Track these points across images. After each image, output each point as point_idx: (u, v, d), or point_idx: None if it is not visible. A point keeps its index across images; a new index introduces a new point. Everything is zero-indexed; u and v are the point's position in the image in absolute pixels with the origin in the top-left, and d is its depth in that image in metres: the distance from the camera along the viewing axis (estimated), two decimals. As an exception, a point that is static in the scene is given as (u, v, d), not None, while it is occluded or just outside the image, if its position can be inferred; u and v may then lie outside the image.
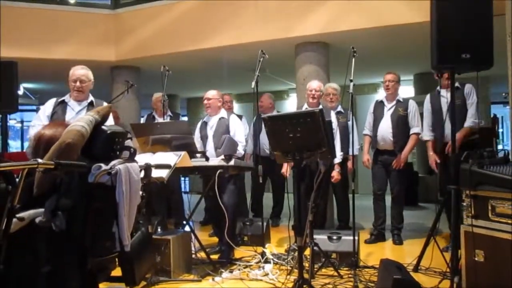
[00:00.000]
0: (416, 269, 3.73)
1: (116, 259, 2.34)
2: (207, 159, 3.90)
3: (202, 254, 4.14)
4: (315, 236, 3.73)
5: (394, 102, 4.88)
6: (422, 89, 8.15)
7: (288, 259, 3.93)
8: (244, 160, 4.97)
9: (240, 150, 4.34)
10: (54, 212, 1.98)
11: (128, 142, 2.42)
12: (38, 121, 3.54)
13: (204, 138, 4.55)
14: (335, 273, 3.66)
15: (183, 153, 3.54)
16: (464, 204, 2.91)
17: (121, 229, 2.16)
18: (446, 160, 4.25)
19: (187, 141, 3.92)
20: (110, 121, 3.00)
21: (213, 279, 3.63)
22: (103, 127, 2.26)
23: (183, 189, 6.47)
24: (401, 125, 4.79)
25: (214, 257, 4.22)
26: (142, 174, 2.55)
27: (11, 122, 13.88)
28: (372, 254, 4.36)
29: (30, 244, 2.03)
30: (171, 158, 3.48)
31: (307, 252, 3.65)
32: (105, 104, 3.71)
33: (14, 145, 15.76)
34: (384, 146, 4.86)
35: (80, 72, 3.66)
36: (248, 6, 5.95)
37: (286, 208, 4.47)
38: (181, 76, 7.35)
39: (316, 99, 4.68)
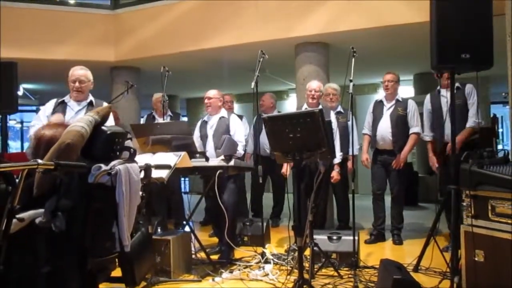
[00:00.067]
0: (416, 269, 3.73)
1: (116, 260, 2.34)
2: (207, 159, 3.91)
3: (202, 255, 4.14)
4: (315, 236, 3.73)
5: (394, 102, 4.88)
6: (422, 89, 8.15)
7: (288, 259, 3.93)
8: (244, 160, 4.97)
9: (240, 150, 4.34)
10: (54, 212, 1.99)
11: (128, 143, 2.42)
12: (38, 121, 3.54)
13: (204, 137, 4.55)
14: (335, 273, 3.66)
15: (183, 153, 3.54)
16: (464, 204, 2.91)
17: (121, 229, 2.17)
18: (446, 160, 4.26)
19: (187, 141, 3.92)
20: (111, 122, 3.00)
21: (213, 280, 3.62)
22: (103, 127, 2.27)
23: (183, 190, 6.47)
24: (400, 124, 4.79)
25: (214, 257, 4.22)
26: (142, 174, 2.55)
27: (11, 123, 13.88)
28: (372, 254, 4.36)
29: (30, 244, 2.03)
30: (171, 158, 3.48)
31: (307, 252, 3.65)
32: (105, 104, 3.71)
33: (14, 146, 15.76)
34: (383, 145, 4.86)
35: (79, 72, 3.66)
36: (248, 6, 5.95)
37: (286, 208, 4.47)
38: (181, 76, 7.36)
39: (316, 99, 4.68)
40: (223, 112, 4.58)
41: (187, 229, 4.27)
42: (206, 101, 4.56)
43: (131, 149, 2.39)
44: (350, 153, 4.23)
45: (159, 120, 5.50)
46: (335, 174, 4.58)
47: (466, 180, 2.86)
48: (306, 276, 3.16)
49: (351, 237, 3.79)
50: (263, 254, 4.02)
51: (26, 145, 14.20)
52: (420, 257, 3.75)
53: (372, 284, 3.38)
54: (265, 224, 4.79)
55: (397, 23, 5.18)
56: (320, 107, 4.56)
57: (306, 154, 2.93)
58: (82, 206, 2.07)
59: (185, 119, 10.08)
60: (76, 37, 6.67)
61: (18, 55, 5.95)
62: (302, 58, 5.94)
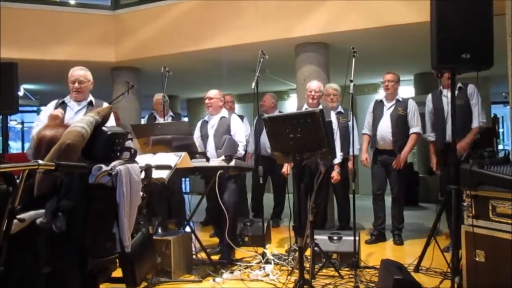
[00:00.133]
0: (417, 269, 3.73)
1: (117, 260, 2.34)
2: (207, 159, 3.91)
3: (202, 255, 4.14)
4: (315, 237, 3.73)
5: (394, 102, 4.88)
6: (423, 89, 8.15)
7: (289, 259, 3.93)
8: (245, 160, 4.97)
9: (241, 151, 4.34)
10: (55, 213, 1.99)
11: (128, 143, 2.42)
12: (39, 122, 3.55)
13: (204, 137, 4.55)
14: (336, 274, 3.66)
15: (183, 153, 3.54)
16: (465, 204, 2.91)
17: (122, 230, 2.17)
18: (447, 160, 4.26)
19: (187, 141, 3.92)
20: (112, 122, 3.01)
21: (213, 280, 3.62)
22: (103, 128, 2.27)
23: (183, 190, 6.47)
24: (400, 124, 4.79)
25: (215, 257, 4.22)
26: (142, 175, 2.55)
27: (11, 123, 13.89)
28: (373, 255, 4.36)
29: (31, 245, 2.03)
30: (172, 158, 3.48)
31: (308, 252, 3.65)
32: (105, 104, 3.72)
33: (15, 146, 15.78)
34: (383, 145, 4.86)
35: (78, 73, 3.66)
36: (248, 7, 5.95)
37: (287, 208, 4.47)
38: (181, 76, 7.36)
39: (316, 99, 4.68)
40: (224, 112, 4.58)
41: (187, 229, 4.27)
42: (207, 101, 4.56)
43: (132, 150, 2.40)
44: (351, 153, 4.23)
45: (160, 120, 5.50)
46: (335, 174, 4.57)
47: (466, 180, 2.86)
48: (306, 276, 3.16)
49: (352, 237, 3.79)
50: (263, 255, 4.02)
51: (26, 145, 14.21)
52: (420, 257, 3.75)
53: (373, 284, 3.38)
54: (265, 224, 4.79)
55: (397, 23, 5.18)
56: (321, 107, 4.56)
57: (306, 155, 2.93)
58: (82, 206, 2.07)
59: (186, 119, 10.08)
60: (77, 37, 6.67)
61: (19, 55, 5.95)
62: (303, 58, 5.93)
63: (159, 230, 4.33)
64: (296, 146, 2.90)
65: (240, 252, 4.36)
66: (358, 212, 3.94)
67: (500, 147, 10.77)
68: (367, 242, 4.81)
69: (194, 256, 4.13)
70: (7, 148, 7.44)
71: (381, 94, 5.82)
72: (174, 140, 3.86)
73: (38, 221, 1.99)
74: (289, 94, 10.53)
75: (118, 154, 2.30)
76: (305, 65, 5.89)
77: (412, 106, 4.82)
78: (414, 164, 8.52)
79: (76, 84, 3.63)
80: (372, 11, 5.25)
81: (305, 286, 2.93)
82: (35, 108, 11.03)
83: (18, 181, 1.80)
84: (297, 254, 3.17)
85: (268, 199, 6.08)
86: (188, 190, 8.13)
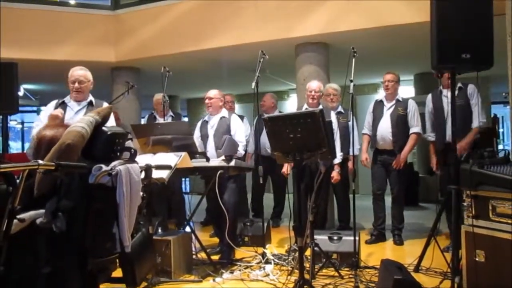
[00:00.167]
0: (417, 269, 3.73)
1: (117, 260, 2.34)
2: (207, 159, 3.91)
3: (202, 255, 4.14)
4: (315, 237, 3.73)
5: (394, 102, 4.88)
6: (423, 89, 8.15)
7: (289, 259, 3.93)
8: (245, 160, 4.97)
9: (241, 151, 4.34)
10: (55, 213, 1.99)
11: (128, 143, 2.42)
12: (39, 122, 3.55)
13: (204, 137, 4.55)
14: (336, 274, 3.65)
15: (183, 153, 3.54)
16: (465, 204, 2.91)
17: (122, 230, 2.17)
18: (446, 160, 4.26)
19: (187, 141, 3.92)
20: (112, 122, 3.01)
21: (213, 280, 3.62)
22: (103, 128, 2.27)
23: (183, 190, 6.47)
24: (400, 124, 4.79)
25: (215, 257, 4.22)
26: (142, 175, 2.55)
27: (11, 123, 13.89)
28: (373, 255, 4.36)
29: (31, 245, 2.03)
30: (172, 158, 3.48)
31: (308, 252, 3.65)
32: (105, 104, 3.72)
33: (15, 146, 15.78)
34: (383, 145, 4.86)
35: (78, 73, 3.66)
36: (248, 7, 5.95)
37: (287, 208, 4.47)
38: (181, 76, 7.36)
39: (316, 99, 4.68)
40: (224, 112, 4.58)
41: (187, 229, 4.27)
42: (207, 101, 4.56)
43: (132, 150, 2.40)
44: (351, 153, 4.23)
45: (160, 120, 5.51)
46: (335, 174, 4.57)
47: (466, 180, 2.86)
48: (306, 276, 3.16)
49: (352, 237, 3.79)
50: (263, 255, 4.02)
51: (26, 145, 14.21)
52: (420, 257, 3.75)
53: (373, 285, 3.38)
54: (265, 224, 4.79)
55: (397, 23, 5.18)
56: (321, 107, 4.56)
57: (306, 155, 2.93)
58: (82, 206, 2.07)
59: (186, 119, 10.08)
60: (77, 37, 6.67)
61: (19, 55, 5.95)
62: (302, 58, 5.94)
63: (159, 230, 4.33)
64: (296, 146, 2.90)
65: (240, 252, 4.36)
66: (358, 212, 3.94)
67: (500, 147, 10.77)
68: (367, 242, 4.81)
69: (194, 256, 4.13)
70: (7, 148, 7.43)
71: (381, 94, 5.82)
72: (174, 140, 3.87)
73: (38, 221, 1.99)
74: (289, 94, 10.53)
75: (118, 154, 2.30)
76: (305, 65, 5.89)
77: (412, 106, 4.82)
78: (414, 164, 8.52)
79: (76, 84, 3.63)
80: (372, 11, 5.25)
81: (305, 286, 2.93)
82: (35, 108, 11.03)
83: (18, 181, 1.80)
84: (297, 254, 3.17)
85: (268, 199, 6.08)
86: (188, 190, 8.13)
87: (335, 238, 4.00)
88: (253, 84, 4.17)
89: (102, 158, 2.16)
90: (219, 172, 3.78)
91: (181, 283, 3.65)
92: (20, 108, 6.23)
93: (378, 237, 4.91)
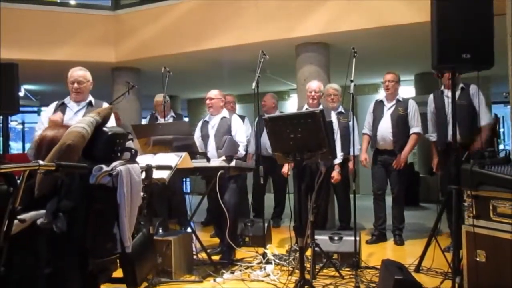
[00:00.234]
0: (418, 269, 3.73)
1: (117, 260, 2.34)
2: (208, 159, 3.91)
3: (203, 255, 4.14)
4: (316, 237, 3.73)
5: (394, 102, 4.87)
6: (423, 89, 8.15)
7: (290, 259, 3.93)
8: (246, 160, 4.97)
9: (241, 151, 4.34)
10: (55, 213, 1.99)
11: (129, 143, 2.42)
12: (41, 125, 3.55)
13: (205, 137, 4.55)
14: (337, 274, 3.65)
15: (184, 154, 3.54)
16: (466, 204, 2.91)
17: (122, 230, 2.17)
18: (448, 160, 4.25)
19: (188, 142, 3.92)
20: (112, 123, 3.00)
21: (214, 280, 3.62)
22: (104, 128, 2.27)
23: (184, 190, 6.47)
24: (401, 124, 4.79)
25: (216, 258, 4.22)
26: (143, 175, 2.55)
27: (12, 124, 13.89)
28: (374, 255, 4.36)
29: (31, 245, 2.03)
30: (172, 159, 3.48)
31: (309, 252, 3.65)
32: (104, 104, 3.72)
33: (15, 147, 15.78)
34: (384, 145, 4.85)
35: (77, 73, 3.66)
36: (249, 7, 5.95)
37: (288, 208, 4.47)
38: (182, 77, 7.36)
39: (316, 99, 4.68)
40: (225, 113, 4.58)
41: (188, 229, 4.27)
42: (208, 101, 4.56)
43: (132, 150, 2.40)
44: (351, 153, 4.22)
45: (162, 120, 5.51)
46: (335, 174, 4.57)
47: (467, 180, 2.86)
48: (307, 276, 3.16)
49: (352, 238, 3.79)
50: (264, 255, 4.02)
51: (27, 146, 14.22)
52: (421, 257, 3.74)
53: (374, 285, 3.38)
54: (266, 224, 4.79)
55: (397, 23, 5.18)
56: (321, 107, 4.56)
57: (307, 155, 2.93)
58: (83, 207, 2.07)
59: (186, 119, 10.08)
60: (77, 38, 6.68)
61: (19, 56, 5.95)
62: (303, 59, 5.94)
63: (160, 231, 4.33)
64: (296, 146, 2.90)
65: (241, 252, 4.36)
66: (358, 212, 3.94)
67: (501, 147, 10.76)
68: (367, 242, 4.81)
69: (194, 256, 4.13)
70: (7, 149, 7.44)
71: (381, 94, 5.82)
72: (175, 141, 3.87)
73: (38, 221, 1.99)
74: (289, 94, 10.53)
75: (119, 154, 2.30)
76: (306, 65, 5.89)
77: (412, 106, 4.82)
78: (414, 164, 8.52)
79: (75, 85, 3.62)
80: (373, 11, 5.25)
81: (305, 286, 2.93)
82: (35, 109, 11.03)
83: (18, 181, 1.80)
84: (297, 254, 3.17)
85: (269, 199, 6.08)
86: (188, 190, 8.13)
87: (336, 238, 4.00)
88: (254, 84, 4.17)
89: (102, 159, 2.16)
90: (219, 173, 3.77)
91: (181, 283, 3.65)
92: (21, 109, 6.22)
93: (378, 237, 4.90)
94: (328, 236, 4.02)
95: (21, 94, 8.38)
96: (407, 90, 8.59)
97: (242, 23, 6.00)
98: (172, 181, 3.62)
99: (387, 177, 4.88)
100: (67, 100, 3.70)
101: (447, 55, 3.13)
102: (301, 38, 5.75)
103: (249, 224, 4.92)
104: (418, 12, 4.80)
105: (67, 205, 2.01)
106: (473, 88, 4.36)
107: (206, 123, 4.62)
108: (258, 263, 4.01)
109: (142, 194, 2.38)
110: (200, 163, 3.89)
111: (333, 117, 4.62)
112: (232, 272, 3.81)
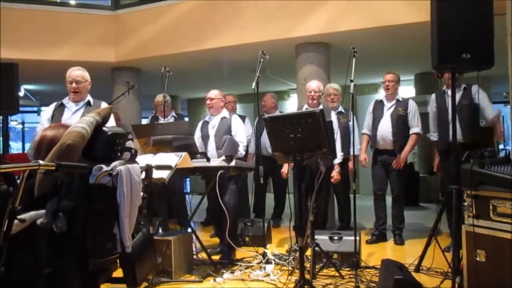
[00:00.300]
0: (418, 269, 3.73)
1: (117, 260, 2.34)
2: (208, 159, 3.91)
3: (203, 255, 4.14)
4: (316, 237, 3.73)
5: (394, 102, 4.87)
6: (423, 89, 8.15)
7: (290, 259, 3.93)
8: (246, 160, 4.97)
9: (241, 151, 4.34)
10: (55, 213, 1.99)
11: (129, 143, 2.42)
12: (41, 125, 3.56)
13: (205, 137, 4.55)
14: (337, 274, 3.65)
15: (184, 154, 3.54)
16: (465, 204, 2.91)
17: (122, 230, 2.17)
18: (449, 160, 4.25)
19: (188, 141, 3.92)
20: (112, 123, 3.00)
21: (214, 280, 3.62)
22: (104, 128, 2.27)
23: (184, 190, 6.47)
24: (400, 124, 4.79)
25: (216, 257, 4.22)
26: (143, 175, 2.55)
27: (12, 124, 13.89)
28: (374, 254, 4.36)
29: (31, 245, 2.03)
30: (172, 159, 3.48)
31: (309, 252, 3.65)
32: (103, 103, 3.72)
33: (15, 147, 15.78)
34: (383, 145, 4.85)
35: (76, 73, 3.65)
36: (249, 7, 5.95)
37: (287, 208, 4.47)
38: (182, 77, 7.36)
39: (316, 99, 4.68)
40: (225, 113, 4.58)
41: (188, 229, 4.27)
42: (208, 101, 4.56)
43: (132, 150, 2.40)
44: (351, 153, 4.22)
45: (162, 120, 5.51)
46: (335, 174, 4.57)
47: (467, 180, 2.86)
48: (307, 276, 3.16)
49: (352, 237, 3.79)
50: (264, 255, 4.02)
51: (27, 146, 14.22)
52: (421, 257, 3.75)
53: (374, 284, 3.38)
54: (266, 224, 4.79)
55: (397, 23, 5.18)
56: (321, 107, 4.56)
57: (307, 155, 2.93)
58: (83, 206, 2.07)
59: (186, 119, 10.07)
60: (77, 38, 6.68)
61: (19, 56, 5.95)
62: (303, 58, 5.94)
63: (160, 230, 4.33)
64: (296, 146, 2.90)
65: (241, 252, 4.36)
66: (358, 212, 3.94)
67: (501, 146, 10.75)
68: (367, 242, 4.81)
69: (194, 256, 4.13)
70: (7, 149, 7.43)
71: (381, 94, 5.82)
72: (175, 140, 3.87)
73: (38, 221, 1.99)
74: (289, 94, 10.53)
75: (119, 154, 2.30)
76: (306, 65, 5.89)
77: (412, 106, 4.82)
78: (414, 164, 8.51)
79: (74, 84, 3.62)
80: (373, 11, 5.25)
81: (305, 286, 2.93)
82: (35, 109, 11.03)
83: (18, 181, 1.80)
84: (297, 254, 3.17)
85: (269, 199, 6.09)
86: (188, 190, 8.13)
87: (336, 238, 4.00)
88: (254, 84, 4.17)
89: (102, 159, 2.16)
90: (219, 172, 3.77)
91: (181, 283, 3.65)
92: (21, 109, 6.22)
93: (378, 237, 4.90)
94: (328, 236, 4.02)
95: (21, 94, 8.38)
96: (407, 90, 8.59)
97: (242, 23, 6.00)
98: (172, 181, 3.62)
99: (387, 177, 4.88)
100: (65, 100, 3.70)
101: (447, 55, 3.13)
102: (301, 38, 5.75)
103: (249, 224, 4.92)
104: (418, 12, 4.80)
105: (67, 205, 2.01)
106: (475, 88, 4.36)
107: (206, 123, 4.62)
108: (258, 263, 4.01)
109: (142, 194, 2.38)
110: (200, 163, 3.89)
111: (333, 117, 4.62)
112: (232, 272, 3.81)
